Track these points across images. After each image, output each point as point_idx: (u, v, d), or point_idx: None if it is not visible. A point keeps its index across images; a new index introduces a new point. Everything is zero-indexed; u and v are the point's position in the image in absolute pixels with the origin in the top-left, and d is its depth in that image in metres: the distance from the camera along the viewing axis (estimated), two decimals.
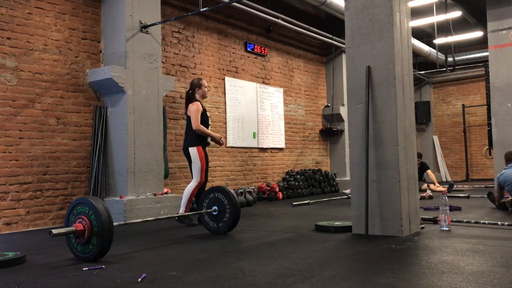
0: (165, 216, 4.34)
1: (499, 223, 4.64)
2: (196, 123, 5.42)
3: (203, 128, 5.45)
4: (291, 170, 10.08)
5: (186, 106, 5.59)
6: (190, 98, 5.62)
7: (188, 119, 5.53)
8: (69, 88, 6.09)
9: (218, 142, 5.58)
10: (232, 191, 4.75)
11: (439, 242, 3.85)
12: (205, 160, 5.48)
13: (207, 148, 5.60)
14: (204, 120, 5.54)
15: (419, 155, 9.52)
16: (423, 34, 12.51)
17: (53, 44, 5.95)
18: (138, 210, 6.01)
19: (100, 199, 3.67)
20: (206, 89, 5.68)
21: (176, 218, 5.27)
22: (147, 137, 6.36)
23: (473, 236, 4.10)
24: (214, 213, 4.72)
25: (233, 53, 8.89)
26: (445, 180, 14.74)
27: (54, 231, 3.37)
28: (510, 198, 5.81)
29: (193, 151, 5.44)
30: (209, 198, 4.80)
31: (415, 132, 5.79)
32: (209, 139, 5.57)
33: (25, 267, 3.38)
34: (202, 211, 4.78)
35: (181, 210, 5.36)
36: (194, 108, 5.46)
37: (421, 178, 9.37)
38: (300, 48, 10.75)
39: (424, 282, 2.62)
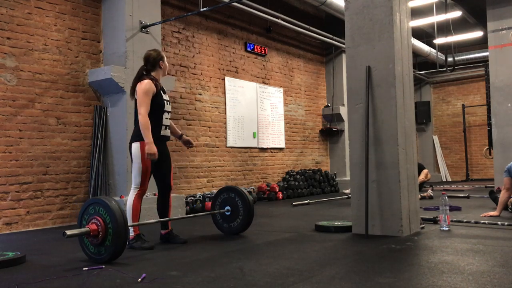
0: (155, 220, 4.24)
1: (499, 223, 4.64)
2: (142, 110, 3.96)
3: (146, 121, 3.94)
4: (291, 170, 10.08)
5: (134, 87, 4.13)
6: (141, 76, 4.17)
7: (136, 105, 4.09)
8: (69, 88, 6.09)
9: (149, 154, 3.93)
10: (245, 190, 4.65)
11: (439, 242, 3.85)
12: (150, 161, 4.03)
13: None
14: (158, 105, 4.10)
15: None
16: (423, 34, 12.51)
17: (53, 44, 5.95)
18: None
19: (114, 199, 3.58)
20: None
21: (128, 244, 3.72)
22: None
23: (473, 236, 4.10)
24: (227, 213, 4.63)
25: (233, 53, 8.89)
26: (445, 180, 14.74)
27: (68, 232, 3.28)
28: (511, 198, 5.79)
29: (134, 147, 4.02)
30: (222, 198, 4.71)
31: (415, 132, 5.78)
32: (163, 130, 4.15)
33: (25, 267, 3.38)
34: (215, 211, 4.70)
35: (130, 233, 3.94)
36: (143, 89, 4.00)
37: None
38: (300, 48, 10.75)
39: (424, 282, 2.62)
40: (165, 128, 4.21)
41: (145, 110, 3.97)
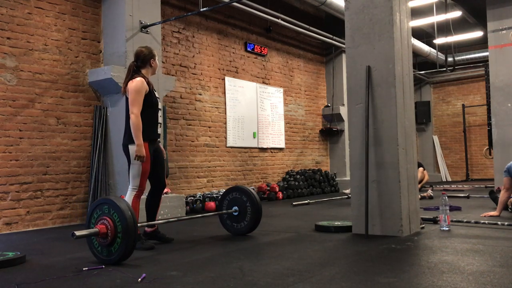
0: (164, 219, 4.23)
1: (499, 223, 4.64)
2: (135, 109, 3.89)
3: (138, 122, 3.89)
4: (291, 170, 10.08)
5: (126, 84, 4.03)
6: (134, 72, 4.07)
7: (127, 103, 4.02)
8: (69, 88, 6.09)
9: (138, 157, 3.90)
10: (253, 191, 4.61)
11: (439, 242, 3.85)
12: (149, 161, 4.03)
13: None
14: (151, 104, 4.06)
15: None
16: (423, 34, 12.51)
17: (53, 44, 5.95)
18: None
19: (124, 200, 3.50)
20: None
21: None
22: None
23: (473, 236, 4.10)
24: (234, 213, 4.58)
25: (233, 53, 8.89)
26: (445, 180, 14.75)
27: (77, 233, 3.23)
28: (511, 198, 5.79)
29: (133, 149, 3.93)
30: (230, 197, 4.67)
31: (415, 132, 5.78)
32: (158, 129, 4.13)
33: (25, 267, 3.38)
34: (222, 211, 4.65)
35: None
36: (135, 87, 3.92)
37: None
38: (300, 48, 10.75)
39: (424, 282, 2.62)
40: (160, 126, 4.21)
41: (138, 110, 3.92)
